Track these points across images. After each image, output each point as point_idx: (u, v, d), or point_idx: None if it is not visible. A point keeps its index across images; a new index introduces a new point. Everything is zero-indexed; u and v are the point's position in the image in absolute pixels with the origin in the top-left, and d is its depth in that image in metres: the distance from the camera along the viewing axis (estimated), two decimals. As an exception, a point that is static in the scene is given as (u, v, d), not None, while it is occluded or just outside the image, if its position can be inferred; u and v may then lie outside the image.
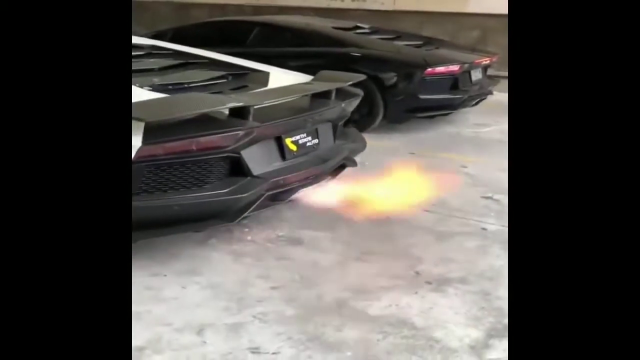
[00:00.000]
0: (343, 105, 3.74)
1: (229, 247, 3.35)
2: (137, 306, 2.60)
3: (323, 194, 3.88)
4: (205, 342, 2.47)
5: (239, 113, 3.07)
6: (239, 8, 10.27)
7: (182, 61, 4.06)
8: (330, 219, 3.76)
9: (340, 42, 6.21)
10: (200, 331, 2.55)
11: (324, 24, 6.83)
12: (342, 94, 3.80)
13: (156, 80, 3.44)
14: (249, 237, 3.47)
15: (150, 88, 3.21)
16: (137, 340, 2.44)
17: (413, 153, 5.25)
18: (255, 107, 3.08)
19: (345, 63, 5.71)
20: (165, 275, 2.99)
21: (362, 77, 4.05)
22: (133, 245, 2.09)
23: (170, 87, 3.39)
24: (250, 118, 3.07)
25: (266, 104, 3.19)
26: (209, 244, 3.37)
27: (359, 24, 7.00)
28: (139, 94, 2.99)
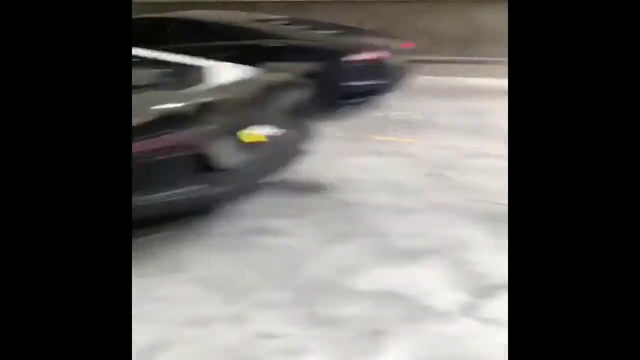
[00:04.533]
0: (296, 95, 3.83)
1: (202, 242, 3.35)
2: (133, 307, 2.56)
3: (276, 184, 3.95)
4: (214, 334, 2.50)
5: (205, 109, 3.10)
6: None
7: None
8: (289, 207, 3.83)
9: (264, 34, 6.26)
10: (205, 324, 2.56)
11: (242, 17, 6.85)
12: (292, 84, 3.89)
13: None
14: (216, 231, 3.48)
15: None
16: (143, 340, 2.44)
17: (350, 137, 5.41)
18: (219, 101, 3.12)
19: (270, 54, 5.80)
20: (148, 275, 2.96)
21: (310, 66, 4.15)
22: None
23: None
24: (216, 112, 3.10)
25: (231, 97, 3.22)
26: (178, 241, 3.36)
27: (276, 16, 7.07)
28: None
